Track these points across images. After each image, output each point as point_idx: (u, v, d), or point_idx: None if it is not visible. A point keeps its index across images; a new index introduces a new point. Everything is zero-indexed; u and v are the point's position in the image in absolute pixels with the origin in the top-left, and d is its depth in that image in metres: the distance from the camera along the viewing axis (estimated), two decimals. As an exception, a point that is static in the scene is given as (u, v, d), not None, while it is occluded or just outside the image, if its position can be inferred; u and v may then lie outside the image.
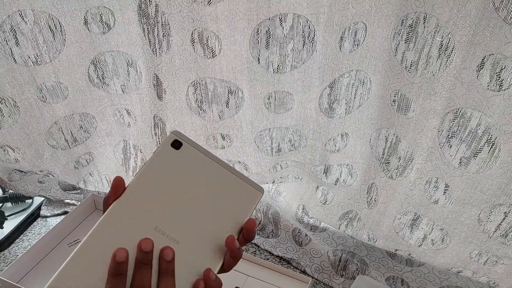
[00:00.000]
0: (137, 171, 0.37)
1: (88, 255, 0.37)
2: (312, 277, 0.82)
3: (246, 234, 0.42)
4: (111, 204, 0.39)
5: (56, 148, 0.84)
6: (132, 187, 0.39)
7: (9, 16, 0.65)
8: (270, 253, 0.89)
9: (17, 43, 0.67)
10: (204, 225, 0.39)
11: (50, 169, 0.86)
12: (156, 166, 0.40)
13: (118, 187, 0.39)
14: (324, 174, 0.82)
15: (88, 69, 0.76)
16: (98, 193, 1.04)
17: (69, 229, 0.91)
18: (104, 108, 0.83)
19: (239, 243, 0.41)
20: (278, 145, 0.77)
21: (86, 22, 0.70)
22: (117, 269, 0.37)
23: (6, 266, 0.84)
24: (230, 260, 0.41)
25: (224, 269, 0.42)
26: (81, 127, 0.84)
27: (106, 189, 0.97)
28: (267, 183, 0.88)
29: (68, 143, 0.85)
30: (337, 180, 0.83)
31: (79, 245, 0.37)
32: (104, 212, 0.39)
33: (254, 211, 1.01)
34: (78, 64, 0.75)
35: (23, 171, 0.86)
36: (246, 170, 0.82)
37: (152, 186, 0.39)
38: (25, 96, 0.74)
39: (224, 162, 0.41)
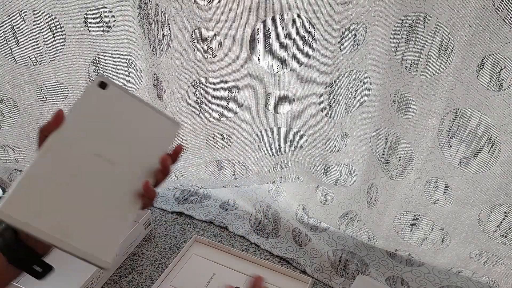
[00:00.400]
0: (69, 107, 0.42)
1: (34, 181, 0.40)
2: (312, 277, 0.82)
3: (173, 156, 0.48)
4: (50, 134, 0.42)
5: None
6: (67, 121, 0.43)
7: (9, 16, 0.64)
8: (270, 253, 0.89)
9: (17, 43, 0.67)
10: (134, 150, 0.45)
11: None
12: (87, 103, 0.44)
13: (58, 118, 0.43)
14: (324, 174, 0.82)
15: (88, 69, 0.76)
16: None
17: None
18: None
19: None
20: (278, 145, 0.77)
21: (86, 22, 0.70)
22: None
23: (6, 266, 0.84)
24: (161, 175, 0.47)
25: (156, 183, 0.47)
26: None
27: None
28: (267, 183, 0.88)
29: None
30: (337, 180, 0.83)
31: (24, 172, 0.40)
32: (41, 141, 0.43)
33: (254, 211, 1.01)
34: (78, 64, 0.75)
35: (23, 171, 0.86)
36: (246, 170, 0.82)
37: (85, 119, 0.44)
38: (25, 96, 0.74)
39: (145, 101, 0.47)
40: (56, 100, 0.77)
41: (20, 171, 0.86)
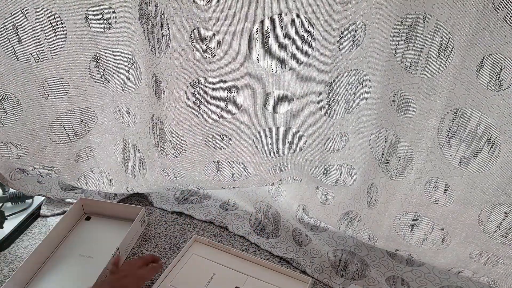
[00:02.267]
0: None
1: None
2: (312, 277, 0.82)
3: None
4: None
5: (58, 143, 0.84)
6: None
7: (11, 14, 0.65)
8: (270, 253, 0.89)
9: (19, 41, 0.68)
10: None
11: (52, 163, 0.87)
12: None
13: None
14: (324, 175, 0.82)
15: (89, 65, 0.76)
16: (99, 193, 1.04)
17: (60, 238, 0.90)
18: (104, 104, 0.83)
19: None
20: (277, 146, 0.77)
21: (87, 20, 0.70)
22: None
23: (6, 266, 0.84)
24: None
25: None
26: (81, 121, 0.84)
27: (107, 187, 0.97)
28: (266, 185, 0.87)
29: (69, 137, 0.85)
30: (337, 180, 0.83)
31: None
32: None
33: (254, 211, 1.01)
34: (79, 60, 0.75)
35: (24, 171, 0.86)
36: (245, 171, 0.82)
37: None
38: (27, 93, 0.74)
39: None
40: (57, 96, 0.77)
41: (23, 169, 0.86)
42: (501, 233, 0.63)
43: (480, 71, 0.52)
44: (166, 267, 0.81)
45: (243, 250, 0.89)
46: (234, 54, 0.64)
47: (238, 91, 0.69)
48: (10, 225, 0.93)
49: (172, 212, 1.02)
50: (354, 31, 0.61)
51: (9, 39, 0.67)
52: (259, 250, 0.90)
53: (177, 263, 0.83)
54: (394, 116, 0.66)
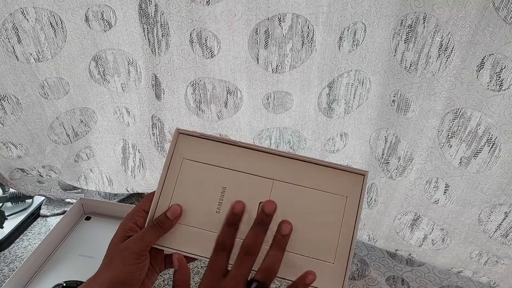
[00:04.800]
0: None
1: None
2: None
3: None
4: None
5: (58, 143, 0.84)
6: None
7: (11, 14, 0.65)
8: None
9: (19, 41, 0.67)
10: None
11: (52, 163, 0.87)
12: None
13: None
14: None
15: (89, 65, 0.76)
16: (99, 193, 1.04)
17: (60, 238, 0.90)
18: (104, 104, 0.83)
19: None
20: (277, 146, 0.77)
21: (87, 20, 0.70)
22: (233, 219, 0.44)
23: (6, 266, 0.84)
24: None
25: None
26: (81, 121, 0.84)
27: (107, 187, 0.97)
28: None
29: (69, 137, 0.85)
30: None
31: None
32: None
33: None
34: (79, 60, 0.75)
35: (24, 171, 0.86)
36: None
37: None
38: (27, 93, 0.74)
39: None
40: (57, 96, 0.77)
41: (23, 169, 0.86)
42: (501, 233, 0.63)
43: (481, 71, 0.52)
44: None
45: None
46: (234, 55, 0.64)
47: (238, 91, 0.69)
48: (10, 225, 0.93)
49: (172, 212, 1.01)
50: (354, 31, 0.61)
51: (9, 39, 0.67)
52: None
53: (164, 181, 0.53)
54: (394, 116, 0.66)
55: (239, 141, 0.52)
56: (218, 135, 0.59)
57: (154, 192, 0.53)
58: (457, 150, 0.59)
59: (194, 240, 0.50)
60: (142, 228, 0.50)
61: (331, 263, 0.48)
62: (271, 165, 0.51)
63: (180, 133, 0.53)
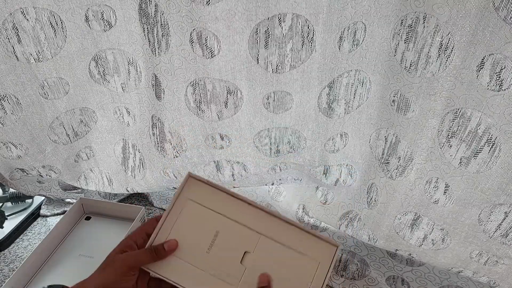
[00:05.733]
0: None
1: None
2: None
3: None
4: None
5: (58, 143, 0.84)
6: None
7: (11, 14, 0.65)
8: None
9: (19, 41, 0.68)
10: None
11: (52, 163, 0.87)
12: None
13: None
14: (324, 175, 0.82)
15: (89, 65, 0.76)
16: (99, 193, 1.04)
17: (60, 238, 0.90)
18: (105, 104, 0.83)
19: None
20: (277, 146, 0.77)
21: (87, 19, 0.70)
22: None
23: (6, 266, 0.84)
24: None
25: None
26: (81, 121, 0.84)
27: (107, 187, 0.97)
28: (266, 184, 0.87)
29: (69, 137, 0.85)
30: (337, 180, 0.82)
31: None
32: None
33: None
34: (79, 60, 0.75)
35: (24, 171, 0.86)
36: (245, 170, 0.82)
37: None
38: (27, 93, 0.74)
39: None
40: (57, 96, 0.77)
41: (23, 169, 0.86)
42: (501, 233, 0.63)
43: (481, 71, 0.52)
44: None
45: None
46: (234, 54, 0.64)
47: (238, 91, 0.69)
48: (10, 225, 0.93)
49: (172, 212, 1.02)
50: (354, 31, 0.61)
51: (9, 39, 0.67)
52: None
53: (168, 215, 0.61)
54: (394, 116, 0.66)
55: (240, 195, 0.61)
56: (223, 186, 0.64)
57: (157, 216, 0.61)
58: (457, 150, 0.59)
59: (180, 272, 0.57)
60: (141, 248, 0.58)
61: None
62: (262, 222, 0.60)
63: (191, 177, 0.63)
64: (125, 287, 0.56)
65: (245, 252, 0.59)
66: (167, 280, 0.57)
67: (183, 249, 0.59)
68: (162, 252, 0.58)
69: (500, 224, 0.62)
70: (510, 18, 0.47)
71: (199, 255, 0.59)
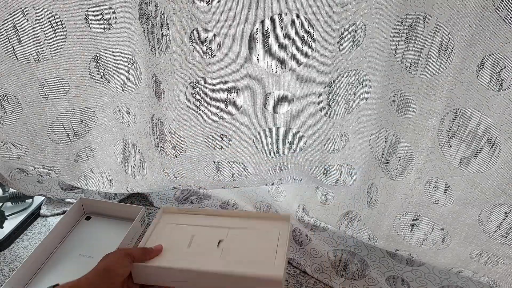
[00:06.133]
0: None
1: None
2: (312, 277, 0.82)
3: None
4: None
5: (58, 143, 0.84)
6: None
7: (11, 14, 0.65)
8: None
9: (19, 41, 0.67)
10: None
11: (52, 163, 0.87)
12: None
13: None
14: (324, 175, 0.82)
15: (89, 65, 0.76)
16: (99, 193, 1.04)
17: (60, 238, 0.90)
18: (104, 104, 0.83)
19: None
20: (277, 146, 0.77)
21: (87, 20, 0.70)
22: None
23: (6, 265, 0.84)
24: None
25: None
26: (81, 121, 0.84)
27: (107, 187, 0.97)
28: (266, 184, 0.87)
29: (69, 137, 0.85)
30: (337, 180, 0.82)
31: None
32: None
33: (254, 210, 1.01)
34: (79, 60, 0.75)
35: (24, 171, 0.86)
36: (245, 171, 0.82)
37: None
38: (27, 93, 0.74)
39: None
40: (57, 96, 0.77)
41: (23, 169, 0.86)
42: (501, 233, 0.63)
43: (481, 71, 0.52)
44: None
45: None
46: (234, 54, 0.64)
47: (238, 91, 0.69)
48: (10, 225, 0.93)
49: (172, 212, 1.02)
50: (354, 31, 0.61)
51: (8, 39, 0.67)
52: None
53: (150, 235, 0.79)
54: (394, 116, 0.66)
55: (207, 209, 0.88)
56: (192, 208, 0.86)
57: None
58: (457, 150, 0.59)
59: (164, 276, 0.71)
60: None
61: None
62: (228, 220, 0.82)
63: (164, 211, 0.86)
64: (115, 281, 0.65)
65: (219, 241, 0.75)
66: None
67: (166, 255, 0.73)
68: (150, 250, 0.72)
69: (500, 224, 0.62)
70: (510, 18, 0.47)
71: (181, 253, 0.74)
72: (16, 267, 0.82)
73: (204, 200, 1.05)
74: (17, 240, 0.92)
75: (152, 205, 1.04)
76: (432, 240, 0.71)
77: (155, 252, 0.72)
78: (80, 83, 0.78)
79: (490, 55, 0.50)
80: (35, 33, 0.68)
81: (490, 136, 0.55)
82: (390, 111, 0.67)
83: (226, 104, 0.71)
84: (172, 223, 0.82)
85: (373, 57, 0.64)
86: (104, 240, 0.90)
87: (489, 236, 0.64)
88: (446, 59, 0.54)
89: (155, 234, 0.79)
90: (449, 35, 0.53)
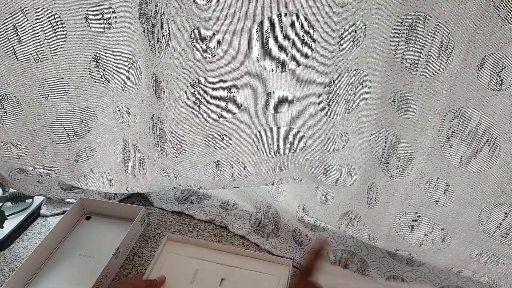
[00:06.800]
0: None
1: None
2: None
3: None
4: None
5: (58, 143, 0.84)
6: None
7: (11, 14, 0.65)
8: (270, 252, 0.89)
9: (19, 41, 0.67)
10: None
11: (52, 163, 0.87)
12: None
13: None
14: (324, 175, 0.82)
15: (89, 65, 0.76)
16: (99, 193, 1.04)
17: (60, 238, 0.90)
18: (105, 104, 0.83)
19: None
20: (277, 146, 0.77)
21: (87, 19, 0.70)
22: None
23: (6, 265, 0.84)
24: None
25: None
26: (81, 121, 0.84)
27: (107, 187, 0.97)
28: (266, 184, 0.87)
29: (69, 137, 0.85)
30: (337, 180, 0.82)
31: None
32: None
33: (255, 211, 1.01)
34: (79, 60, 0.75)
35: (24, 171, 0.86)
36: (245, 170, 0.82)
37: None
38: (27, 93, 0.74)
39: None
40: (57, 95, 0.77)
41: (23, 169, 0.86)
42: (501, 233, 0.63)
43: (481, 71, 0.52)
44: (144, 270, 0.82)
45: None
46: (234, 54, 0.64)
47: (238, 91, 0.69)
48: (10, 225, 0.93)
49: (172, 212, 1.02)
50: (354, 31, 0.61)
51: (9, 39, 0.67)
52: (259, 250, 0.90)
53: (154, 265, 0.81)
54: (394, 116, 0.66)
55: (211, 243, 0.85)
56: (196, 240, 0.86)
57: (143, 274, 0.79)
58: (457, 150, 0.60)
59: None
60: None
61: None
62: (231, 258, 0.83)
63: (169, 239, 0.87)
64: None
65: (222, 279, 0.78)
66: None
67: (171, 285, 0.76)
68: (155, 283, 0.75)
69: (500, 224, 0.62)
70: (511, 17, 0.47)
71: (184, 287, 0.77)
72: (16, 267, 0.82)
73: (204, 200, 1.05)
74: (17, 240, 0.92)
75: (152, 205, 1.04)
76: (432, 240, 0.71)
77: (160, 284, 0.76)
78: (80, 83, 0.78)
79: (490, 54, 0.50)
80: (35, 33, 0.68)
81: (490, 135, 0.55)
82: (390, 111, 0.67)
83: (226, 103, 0.71)
84: (175, 253, 0.84)
85: (373, 56, 0.64)
86: (104, 240, 0.90)
87: (489, 236, 0.64)
88: (446, 58, 0.54)
89: (159, 264, 0.81)
90: (449, 34, 0.53)
